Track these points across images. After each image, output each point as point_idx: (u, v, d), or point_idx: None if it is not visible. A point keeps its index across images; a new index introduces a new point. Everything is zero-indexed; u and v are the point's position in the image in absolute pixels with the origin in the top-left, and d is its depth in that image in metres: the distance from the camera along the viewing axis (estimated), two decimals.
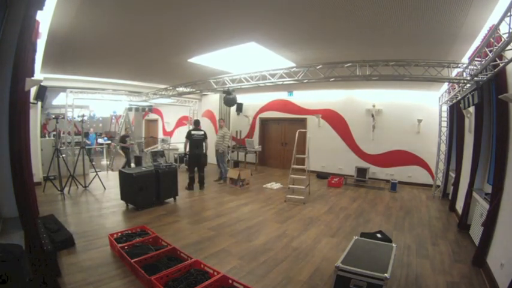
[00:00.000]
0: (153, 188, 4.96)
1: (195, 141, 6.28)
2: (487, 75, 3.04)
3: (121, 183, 4.97)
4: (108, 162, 9.07)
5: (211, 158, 10.09)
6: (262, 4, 2.78)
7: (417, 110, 7.32)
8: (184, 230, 3.96)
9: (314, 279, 2.74)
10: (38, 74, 4.74)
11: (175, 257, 2.98)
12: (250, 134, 10.66)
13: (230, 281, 2.50)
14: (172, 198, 5.37)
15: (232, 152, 9.73)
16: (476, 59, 3.18)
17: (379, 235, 3.27)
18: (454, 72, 3.95)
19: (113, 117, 15.16)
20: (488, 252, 2.91)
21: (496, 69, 2.73)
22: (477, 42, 3.36)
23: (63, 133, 8.15)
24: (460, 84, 4.16)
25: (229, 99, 6.14)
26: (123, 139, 8.26)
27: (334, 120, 8.68)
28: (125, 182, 4.85)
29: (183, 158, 9.13)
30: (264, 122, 10.47)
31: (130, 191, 4.73)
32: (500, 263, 2.50)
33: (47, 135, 9.71)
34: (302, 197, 5.54)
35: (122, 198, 4.96)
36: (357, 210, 5.11)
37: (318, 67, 4.61)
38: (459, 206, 4.65)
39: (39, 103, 6.36)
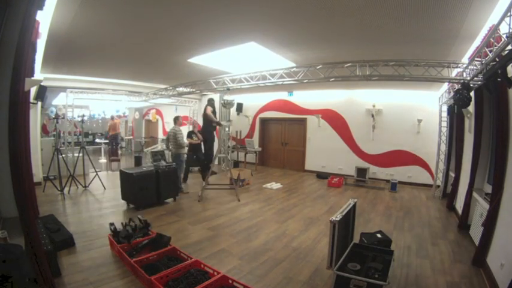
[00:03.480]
0: (153, 188, 4.98)
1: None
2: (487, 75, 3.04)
3: (122, 183, 5.00)
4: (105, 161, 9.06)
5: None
6: (262, 4, 2.78)
7: (417, 110, 7.32)
8: (184, 230, 3.96)
9: (314, 279, 2.74)
10: (38, 74, 4.73)
11: (175, 257, 2.98)
12: (250, 134, 10.66)
13: (230, 281, 2.50)
14: (172, 198, 5.38)
15: (232, 152, 9.73)
16: (476, 59, 3.18)
17: (379, 235, 3.27)
18: (454, 72, 3.95)
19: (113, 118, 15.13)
20: (488, 252, 2.91)
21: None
22: (477, 42, 3.36)
23: (63, 133, 8.15)
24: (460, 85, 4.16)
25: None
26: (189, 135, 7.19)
27: (334, 120, 8.68)
28: (126, 182, 4.88)
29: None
30: (264, 122, 10.47)
31: (131, 190, 4.75)
32: (500, 263, 2.50)
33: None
34: None
35: (123, 197, 4.99)
36: (357, 210, 5.08)
37: (318, 67, 4.61)
38: (459, 206, 4.65)
39: (39, 103, 6.36)
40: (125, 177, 4.89)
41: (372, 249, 2.86)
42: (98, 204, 5.11)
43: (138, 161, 8.86)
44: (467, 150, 4.70)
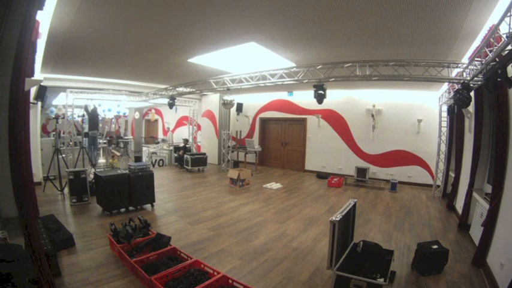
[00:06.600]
0: (125, 193, 4.57)
1: None
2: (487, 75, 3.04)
3: (96, 186, 4.82)
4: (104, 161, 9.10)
5: (212, 157, 10.14)
6: (262, 4, 2.78)
7: (417, 110, 7.33)
8: (184, 230, 3.96)
9: (314, 279, 2.74)
10: (38, 74, 4.73)
11: (175, 257, 2.99)
12: (250, 134, 10.66)
13: (230, 281, 2.50)
14: (149, 205, 4.94)
15: (232, 152, 9.74)
16: (476, 59, 3.18)
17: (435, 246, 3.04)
18: (454, 73, 3.95)
19: (113, 118, 15.14)
20: (488, 252, 2.91)
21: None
22: (477, 42, 3.36)
23: (63, 133, 8.15)
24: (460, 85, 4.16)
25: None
26: None
27: (334, 120, 8.68)
28: (98, 185, 4.68)
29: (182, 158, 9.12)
30: (264, 122, 10.47)
31: (102, 194, 4.46)
32: (500, 263, 2.50)
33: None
34: None
35: (97, 201, 4.77)
36: (357, 210, 5.09)
37: (318, 67, 4.61)
38: (459, 206, 4.65)
39: (39, 103, 6.36)
40: (97, 180, 4.65)
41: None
42: None
43: (137, 161, 8.87)
44: (467, 150, 4.70)
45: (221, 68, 5.78)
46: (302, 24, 3.33)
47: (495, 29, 2.36)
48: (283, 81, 5.14)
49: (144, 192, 4.81)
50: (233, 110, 10.17)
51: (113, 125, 16.23)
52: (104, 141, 10.93)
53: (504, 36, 2.23)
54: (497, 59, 2.51)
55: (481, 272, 2.88)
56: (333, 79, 4.61)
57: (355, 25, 3.27)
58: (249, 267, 2.94)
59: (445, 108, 6.24)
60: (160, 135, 14.82)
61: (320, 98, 4.81)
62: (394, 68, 4.07)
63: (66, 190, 5.65)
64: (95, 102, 8.25)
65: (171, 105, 7.68)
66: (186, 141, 10.18)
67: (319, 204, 5.52)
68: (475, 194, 3.83)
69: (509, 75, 2.28)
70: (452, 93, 5.09)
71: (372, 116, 7.85)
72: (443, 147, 6.33)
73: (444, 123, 6.35)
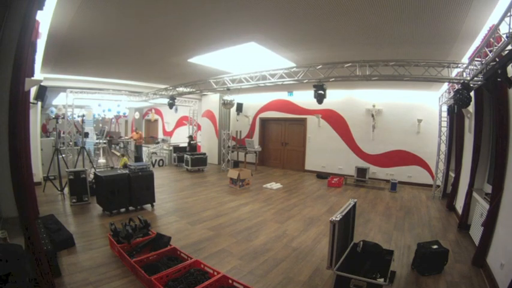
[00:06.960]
0: (126, 193, 4.58)
1: None
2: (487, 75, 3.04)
3: (96, 186, 4.83)
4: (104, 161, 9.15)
5: (212, 157, 10.14)
6: (262, 4, 2.78)
7: (417, 110, 7.32)
8: (184, 230, 3.96)
9: (314, 279, 2.74)
10: (38, 74, 4.73)
11: (175, 257, 2.99)
12: (250, 134, 10.66)
13: (230, 281, 2.50)
14: (149, 205, 4.94)
15: (232, 152, 9.73)
16: (476, 59, 3.18)
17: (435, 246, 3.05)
18: (454, 73, 3.95)
19: (113, 118, 15.14)
20: (488, 252, 2.91)
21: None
22: (477, 42, 3.36)
23: (63, 133, 8.15)
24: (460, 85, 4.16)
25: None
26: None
27: (334, 120, 8.68)
28: (98, 185, 4.66)
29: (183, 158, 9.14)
30: (264, 122, 10.47)
31: (102, 194, 4.47)
32: (500, 263, 2.50)
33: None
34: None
35: (97, 202, 4.77)
36: (357, 210, 5.09)
37: (318, 67, 4.61)
38: (459, 206, 4.65)
39: (39, 103, 6.36)
40: (98, 180, 4.64)
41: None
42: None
43: (137, 161, 8.88)
44: (467, 150, 4.70)
45: (221, 68, 5.78)
46: (302, 25, 3.33)
47: (495, 29, 2.36)
48: (283, 81, 5.14)
49: (144, 192, 4.81)
50: (233, 110, 10.16)
51: (113, 125, 16.22)
52: (104, 141, 10.92)
53: (504, 36, 2.23)
54: (497, 59, 2.51)
55: (481, 272, 2.88)
56: (333, 79, 4.61)
57: (355, 25, 3.27)
58: (249, 267, 2.95)
59: (445, 108, 6.23)
60: (161, 135, 14.82)
61: (320, 98, 4.82)
62: (394, 68, 4.07)
63: (66, 190, 5.66)
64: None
65: (171, 105, 7.70)
66: (190, 137, 10.09)
67: (319, 204, 5.52)
68: (475, 194, 3.83)
69: (509, 75, 2.28)
70: (452, 93, 5.09)
71: (372, 116, 7.85)
72: (443, 147, 6.33)
73: (444, 123, 6.35)
